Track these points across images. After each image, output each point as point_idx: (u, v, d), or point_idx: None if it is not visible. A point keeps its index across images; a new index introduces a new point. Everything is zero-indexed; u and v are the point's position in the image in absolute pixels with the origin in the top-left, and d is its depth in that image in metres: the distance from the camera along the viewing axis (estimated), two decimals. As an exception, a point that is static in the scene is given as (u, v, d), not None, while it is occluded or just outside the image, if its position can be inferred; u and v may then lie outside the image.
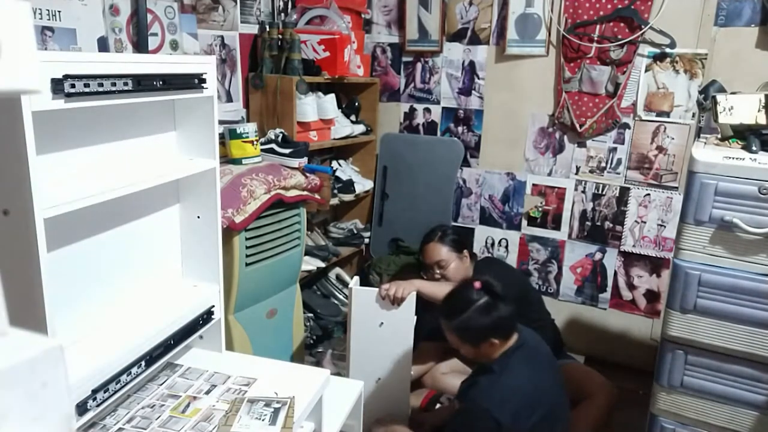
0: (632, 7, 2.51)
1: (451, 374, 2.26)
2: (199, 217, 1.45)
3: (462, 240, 2.45)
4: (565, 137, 2.81)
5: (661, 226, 2.70)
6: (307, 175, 2.25)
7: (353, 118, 2.96)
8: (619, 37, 2.56)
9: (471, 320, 1.61)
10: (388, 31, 3.09)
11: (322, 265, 2.72)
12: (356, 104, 3.00)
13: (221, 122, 2.15)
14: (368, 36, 3.10)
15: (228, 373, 1.41)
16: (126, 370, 1.16)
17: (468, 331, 1.63)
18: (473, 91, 2.97)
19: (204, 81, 1.29)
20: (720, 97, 1.65)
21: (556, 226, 2.92)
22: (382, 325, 1.99)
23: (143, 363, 1.21)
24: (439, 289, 2.04)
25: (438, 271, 2.33)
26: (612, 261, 2.83)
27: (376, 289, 1.98)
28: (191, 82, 1.27)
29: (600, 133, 2.72)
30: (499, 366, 1.61)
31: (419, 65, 3.06)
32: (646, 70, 2.59)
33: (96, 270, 1.25)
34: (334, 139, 2.75)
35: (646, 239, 2.74)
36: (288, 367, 1.54)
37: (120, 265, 1.31)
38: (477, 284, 1.66)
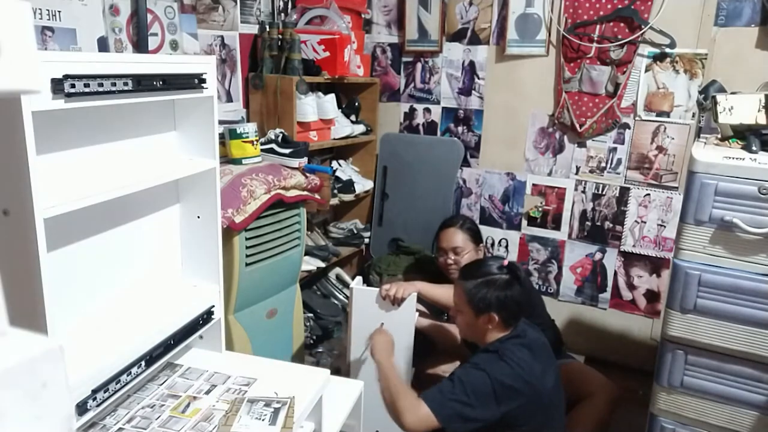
0: (632, 7, 2.51)
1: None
2: (199, 217, 1.45)
3: (480, 234, 2.47)
4: (565, 137, 2.81)
5: (661, 226, 2.70)
6: (307, 175, 2.25)
7: (353, 118, 2.96)
8: (619, 37, 2.56)
9: (484, 287, 1.68)
10: (388, 31, 3.09)
11: (322, 265, 2.72)
12: (356, 104, 3.00)
13: (221, 122, 2.15)
14: (368, 36, 3.10)
15: (228, 373, 1.41)
16: (126, 370, 1.16)
17: (477, 296, 1.69)
18: (473, 91, 2.97)
19: (204, 81, 1.29)
20: (720, 97, 1.65)
21: (556, 226, 2.92)
22: (383, 325, 1.99)
23: (143, 363, 1.21)
24: (440, 291, 2.03)
25: (452, 258, 2.34)
26: (612, 261, 2.83)
27: (377, 290, 1.99)
28: (191, 82, 1.27)
29: (600, 133, 2.72)
30: (498, 347, 1.67)
31: (419, 65, 3.06)
32: (646, 70, 2.59)
33: (96, 270, 1.25)
34: (334, 139, 2.75)
35: (646, 239, 2.74)
36: (288, 367, 1.54)
37: (120, 265, 1.31)
38: (505, 261, 1.76)
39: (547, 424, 1.66)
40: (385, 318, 1.98)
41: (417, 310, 2.04)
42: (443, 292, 2.01)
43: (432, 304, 2.10)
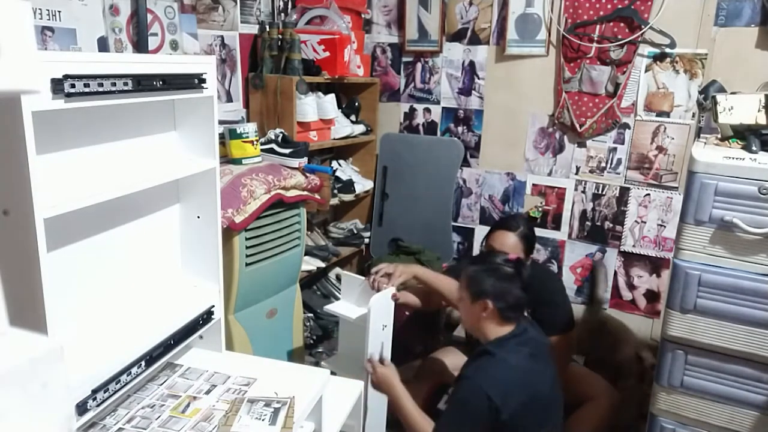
0: (632, 7, 2.51)
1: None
2: (199, 217, 1.45)
3: (534, 244, 2.28)
4: (565, 137, 2.81)
5: (661, 226, 2.70)
6: (307, 175, 2.25)
7: (353, 118, 2.96)
8: (619, 37, 2.56)
9: (484, 273, 1.69)
10: (388, 31, 3.09)
11: (322, 265, 2.72)
12: (356, 104, 3.00)
13: (221, 122, 2.15)
14: (368, 36, 3.10)
15: (228, 373, 1.41)
16: (126, 370, 1.16)
17: (476, 280, 1.70)
18: (473, 91, 2.97)
19: (204, 81, 1.29)
20: (720, 97, 1.65)
21: (556, 226, 2.92)
22: (385, 327, 2.00)
23: (143, 363, 1.21)
24: (443, 281, 1.98)
25: None
26: (612, 261, 2.83)
27: (362, 278, 2.01)
28: (191, 82, 1.27)
29: (600, 133, 2.72)
30: (495, 348, 1.66)
31: (419, 65, 3.06)
32: (646, 70, 2.59)
33: (96, 270, 1.25)
34: (334, 139, 2.75)
35: (646, 239, 2.74)
36: (288, 367, 1.54)
37: (120, 265, 1.31)
38: (513, 256, 1.76)
39: (542, 426, 1.65)
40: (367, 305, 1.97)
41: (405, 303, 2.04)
42: (445, 282, 1.96)
43: (425, 297, 2.07)
